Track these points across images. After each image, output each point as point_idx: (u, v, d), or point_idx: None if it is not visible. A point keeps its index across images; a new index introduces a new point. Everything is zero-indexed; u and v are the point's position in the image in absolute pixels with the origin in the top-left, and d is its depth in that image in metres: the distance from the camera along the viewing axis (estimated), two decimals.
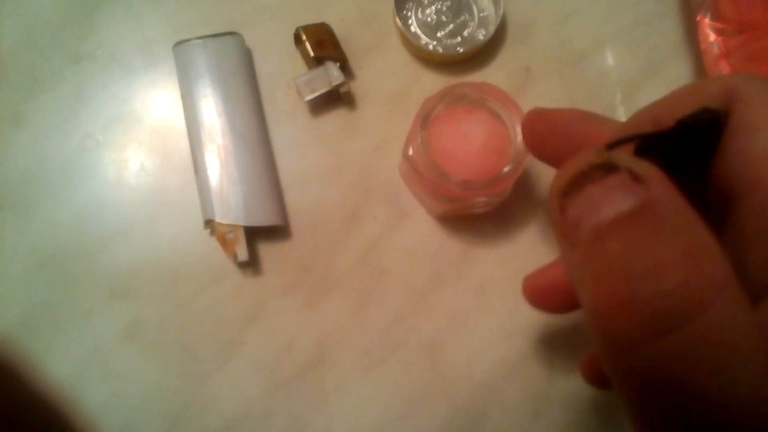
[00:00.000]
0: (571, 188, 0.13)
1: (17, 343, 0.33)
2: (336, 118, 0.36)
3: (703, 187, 0.17)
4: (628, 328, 0.12)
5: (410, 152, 0.32)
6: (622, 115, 0.37)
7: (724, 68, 0.34)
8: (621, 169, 0.13)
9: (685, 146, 0.16)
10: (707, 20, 0.36)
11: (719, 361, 0.12)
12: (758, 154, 0.15)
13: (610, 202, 0.13)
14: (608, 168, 0.13)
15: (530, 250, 0.35)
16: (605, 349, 0.13)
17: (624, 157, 0.13)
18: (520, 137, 0.31)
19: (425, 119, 0.31)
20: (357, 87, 0.37)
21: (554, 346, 0.34)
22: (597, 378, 0.26)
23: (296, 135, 0.36)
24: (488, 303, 0.34)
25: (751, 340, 0.12)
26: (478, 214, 0.35)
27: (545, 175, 0.36)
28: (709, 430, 0.12)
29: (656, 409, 0.12)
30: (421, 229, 0.35)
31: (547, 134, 0.23)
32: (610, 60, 0.38)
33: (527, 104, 0.31)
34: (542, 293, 0.26)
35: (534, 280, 0.26)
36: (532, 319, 0.34)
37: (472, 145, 0.32)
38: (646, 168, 0.13)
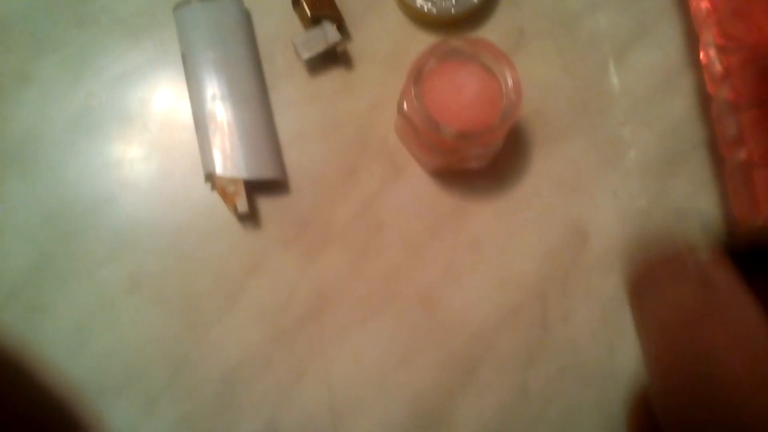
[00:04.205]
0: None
1: (24, 295, 0.34)
2: (333, 77, 0.37)
3: None
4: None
5: (405, 107, 0.33)
6: (612, 73, 0.38)
7: (712, 25, 0.35)
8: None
9: None
10: None
11: None
12: None
13: None
14: None
15: (522, 204, 0.36)
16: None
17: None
18: (511, 89, 0.32)
19: (418, 73, 0.32)
20: (353, 48, 0.38)
21: (547, 295, 0.35)
22: None
23: (295, 94, 0.37)
24: (482, 255, 0.35)
25: None
26: (472, 169, 0.36)
27: (536, 132, 0.37)
28: None
29: None
30: (416, 184, 0.36)
31: None
32: (601, 21, 0.39)
33: (521, 64, 0.32)
34: None
35: None
36: (525, 270, 0.35)
37: (465, 97, 0.33)
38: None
